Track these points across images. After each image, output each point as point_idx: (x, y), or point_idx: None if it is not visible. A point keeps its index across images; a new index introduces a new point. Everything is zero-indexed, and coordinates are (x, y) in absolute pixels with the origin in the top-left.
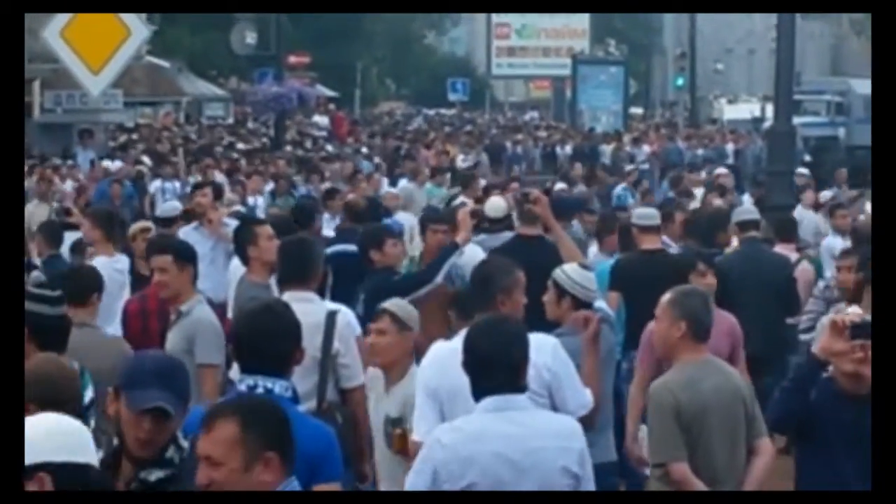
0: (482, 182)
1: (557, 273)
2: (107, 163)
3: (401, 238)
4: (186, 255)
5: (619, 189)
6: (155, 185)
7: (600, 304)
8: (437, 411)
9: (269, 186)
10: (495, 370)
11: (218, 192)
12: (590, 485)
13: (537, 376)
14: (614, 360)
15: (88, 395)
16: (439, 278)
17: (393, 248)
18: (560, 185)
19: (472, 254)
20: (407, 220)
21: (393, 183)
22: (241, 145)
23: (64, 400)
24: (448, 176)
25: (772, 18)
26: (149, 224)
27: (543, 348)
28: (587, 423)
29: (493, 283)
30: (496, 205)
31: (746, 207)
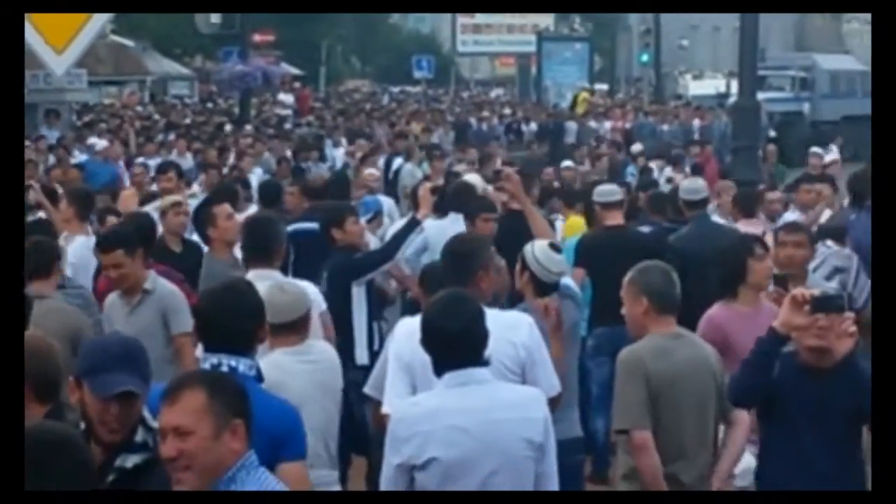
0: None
1: (526, 247)
2: (93, 139)
3: (376, 216)
4: (133, 241)
5: (631, 168)
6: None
7: (566, 280)
8: (409, 384)
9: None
10: (456, 345)
11: (180, 175)
12: (552, 455)
13: (514, 354)
14: (578, 335)
15: None
16: (399, 255)
17: (354, 225)
18: (567, 163)
19: (441, 229)
20: (387, 200)
21: (388, 162)
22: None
23: (57, 377)
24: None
25: None
26: (180, 198)
27: (520, 326)
28: (553, 404)
29: (474, 258)
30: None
31: (695, 186)
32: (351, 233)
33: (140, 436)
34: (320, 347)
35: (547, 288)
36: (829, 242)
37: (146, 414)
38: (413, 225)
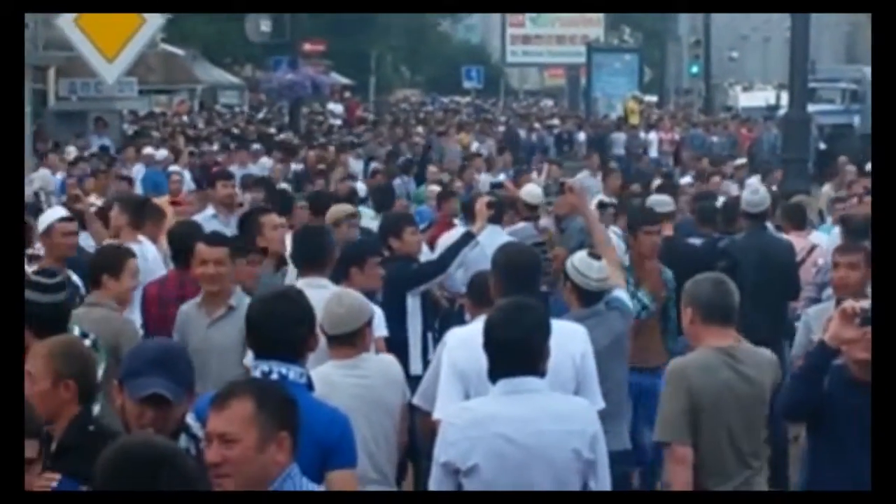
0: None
1: (567, 259)
2: (149, 150)
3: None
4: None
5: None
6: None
7: (618, 292)
8: (462, 392)
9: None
10: (513, 353)
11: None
12: (605, 470)
13: (572, 364)
14: (626, 348)
15: (100, 370)
16: (452, 268)
17: (412, 236)
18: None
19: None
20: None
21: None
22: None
23: (92, 377)
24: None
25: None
26: (354, 209)
27: (578, 336)
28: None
29: (535, 267)
30: (533, 191)
31: (755, 199)
32: (408, 242)
33: (183, 442)
34: (375, 361)
35: (590, 297)
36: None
37: (190, 421)
38: (468, 238)
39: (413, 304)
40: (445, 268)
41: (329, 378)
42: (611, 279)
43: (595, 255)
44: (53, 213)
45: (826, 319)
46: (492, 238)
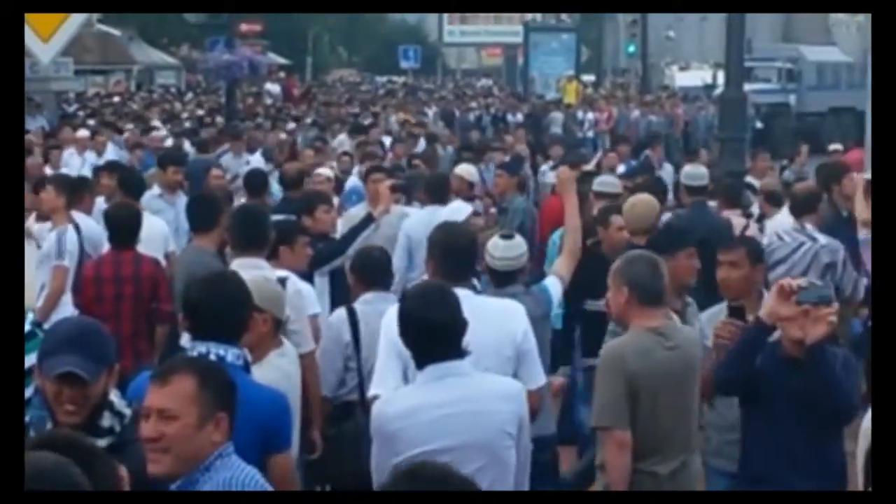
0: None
1: None
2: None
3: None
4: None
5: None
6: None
7: (550, 279)
8: (401, 370)
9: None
10: (441, 337)
11: None
12: (525, 451)
13: (510, 341)
14: (545, 331)
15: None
16: (351, 250)
17: (325, 214)
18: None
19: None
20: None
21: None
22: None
23: None
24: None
25: None
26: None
27: (517, 314)
28: (537, 396)
29: (471, 247)
30: (469, 169)
31: (698, 172)
32: (321, 221)
33: (107, 420)
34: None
35: (497, 276)
36: (810, 227)
37: (114, 399)
38: (368, 221)
39: (321, 283)
40: (344, 250)
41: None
42: (523, 259)
43: (507, 236)
44: None
45: (717, 322)
46: (436, 217)
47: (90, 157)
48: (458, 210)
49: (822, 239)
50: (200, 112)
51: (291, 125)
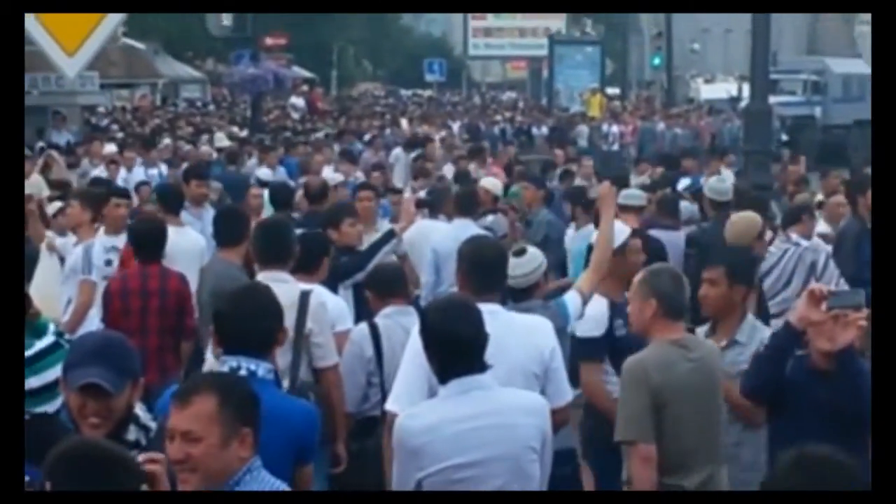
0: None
1: None
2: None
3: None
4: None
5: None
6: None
7: (569, 295)
8: (426, 381)
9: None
10: (465, 352)
11: None
12: (547, 467)
13: (539, 357)
14: (566, 343)
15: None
16: (370, 266)
17: (350, 227)
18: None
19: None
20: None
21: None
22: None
23: None
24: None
25: None
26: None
27: (544, 330)
28: (563, 412)
29: (501, 262)
30: (493, 182)
31: (723, 187)
32: (346, 234)
33: (133, 434)
34: None
35: (517, 293)
36: (795, 237)
37: (139, 412)
38: (389, 236)
39: (344, 295)
40: (363, 266)
41: None
42: (537, 274)
43: (519, 252)
44: None
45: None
46: (463, 231)
47: (123, 173)
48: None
49: (805, 242)
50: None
51: (319, 135)
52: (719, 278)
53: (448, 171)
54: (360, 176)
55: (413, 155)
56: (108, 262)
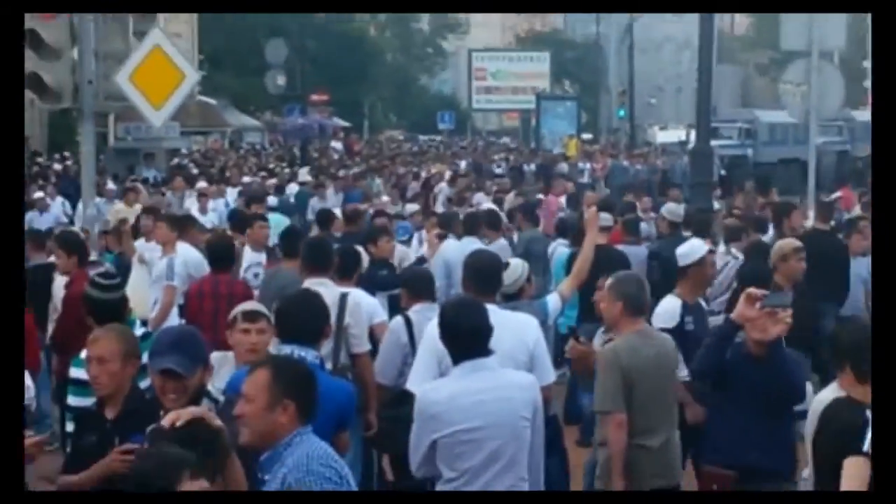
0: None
1: None
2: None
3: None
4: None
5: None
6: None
7: (550, 297)
8: (436, 365)
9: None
10: (473, 340)
11: None
12: (540, 432)
13: (525, 348)
14: (549, 332)
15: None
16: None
17: (386, 243)
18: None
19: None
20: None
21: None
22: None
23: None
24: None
25: (695, 63)
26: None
27: (530, 327)
28: (547, 390)
29: (496, 269)
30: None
31: (679, 211)
32: (382, 249)
33: (205, 404)
34: None
35: (505, 297)
36: (734, 251)
37: (210, 388)
38: (421, 262)
39: (381, 298)
40: (398, 284)
41: None
42: (520, 282)
43: (504, 266)
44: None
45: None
46: (468, 246)
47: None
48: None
49: (742, 256)
50: (283, 164)
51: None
52: (607, 295)
53: (482, 199)
54: (376, 203)
55: (457, 189)
56: (256, 276)
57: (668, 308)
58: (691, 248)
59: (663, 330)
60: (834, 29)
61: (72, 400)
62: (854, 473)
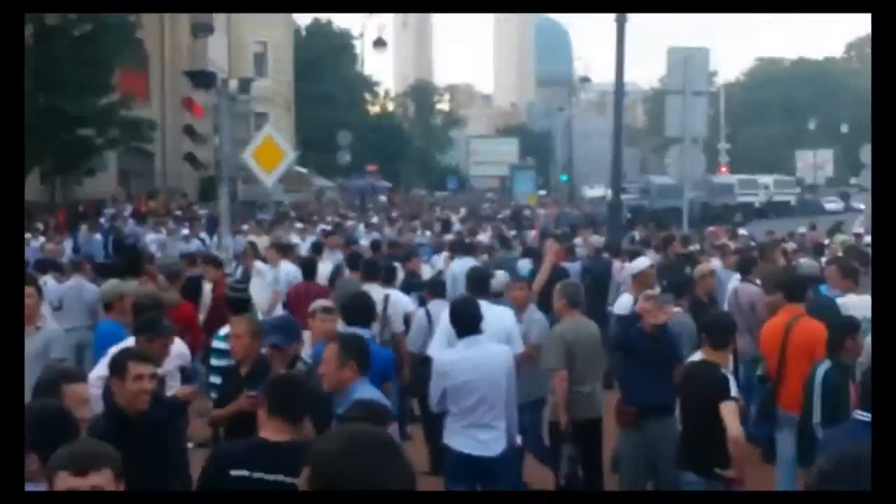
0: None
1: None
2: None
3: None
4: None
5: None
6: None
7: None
8: (447, 341)
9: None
10: (470, 324)
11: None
12: (511, 385)
13: (504, 329)
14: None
15: None
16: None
17: (416, 261)
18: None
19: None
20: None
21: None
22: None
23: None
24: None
25: (611, 145)
26: None
27: (506, 316)
28: (519, 360)
29: (487, 278)
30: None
31: (600, 241)
32: (414, 264)
33: (300, 366)
34: None
35: (493, 295)
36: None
37: (302, 355)
38: (438, 275)
39: (413, 297)
40: (422, 288)
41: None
42: (501, 286)
43: (491, 276)
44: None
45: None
46: (468, 264)
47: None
48: (466, 260)
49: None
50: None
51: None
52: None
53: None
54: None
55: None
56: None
57: (624, 302)
58: (639, 263)
59: (620, 316)
60: (698, 122)
61: (214, 362)
62: (731, 412)
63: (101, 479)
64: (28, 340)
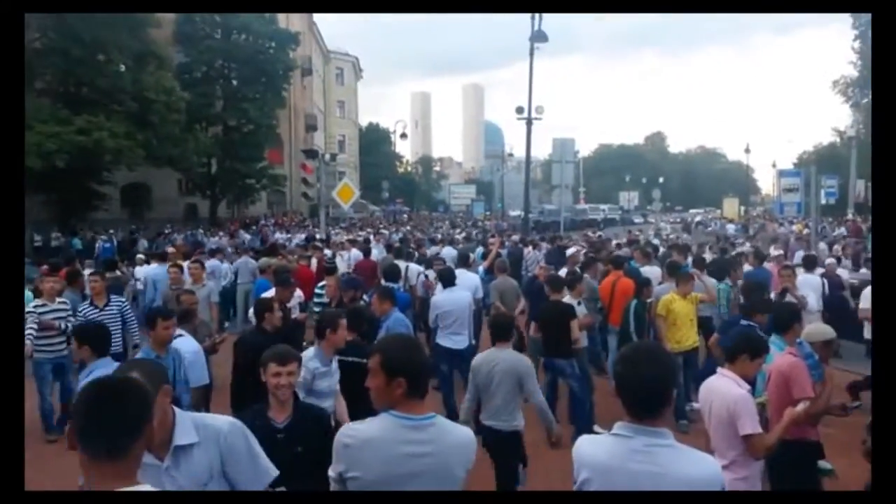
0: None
1: None
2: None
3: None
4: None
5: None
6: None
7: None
8: (441, 289)
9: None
10: (450, 280)
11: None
12: (471, 313)
13: (472, 284)
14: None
15: None
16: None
17: (424, 249)
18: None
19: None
20: (448, 252)
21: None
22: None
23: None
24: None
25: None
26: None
27: (474, 279)
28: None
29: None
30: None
31: (539, 255)
32: (423, 252)
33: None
34: None
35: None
36: (587, 277)
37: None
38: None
39: (420, 269)
40: (430, 265)
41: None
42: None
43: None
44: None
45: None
46: (451, 251)
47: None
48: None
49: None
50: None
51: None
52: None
53: (459, 236)
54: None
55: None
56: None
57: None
58: (571, 250)
59: (529, 278)
60: (568, 177)
61: (316, 300)
62: (576, 325)
63: (293, 367)
64: (199, 292)
